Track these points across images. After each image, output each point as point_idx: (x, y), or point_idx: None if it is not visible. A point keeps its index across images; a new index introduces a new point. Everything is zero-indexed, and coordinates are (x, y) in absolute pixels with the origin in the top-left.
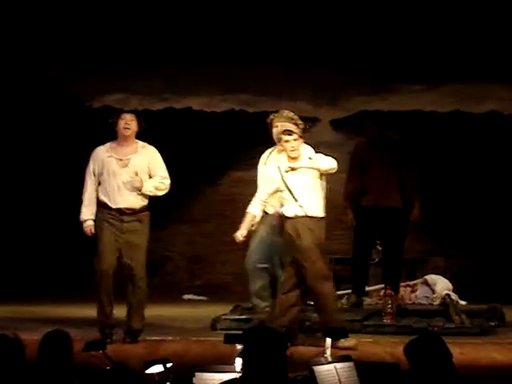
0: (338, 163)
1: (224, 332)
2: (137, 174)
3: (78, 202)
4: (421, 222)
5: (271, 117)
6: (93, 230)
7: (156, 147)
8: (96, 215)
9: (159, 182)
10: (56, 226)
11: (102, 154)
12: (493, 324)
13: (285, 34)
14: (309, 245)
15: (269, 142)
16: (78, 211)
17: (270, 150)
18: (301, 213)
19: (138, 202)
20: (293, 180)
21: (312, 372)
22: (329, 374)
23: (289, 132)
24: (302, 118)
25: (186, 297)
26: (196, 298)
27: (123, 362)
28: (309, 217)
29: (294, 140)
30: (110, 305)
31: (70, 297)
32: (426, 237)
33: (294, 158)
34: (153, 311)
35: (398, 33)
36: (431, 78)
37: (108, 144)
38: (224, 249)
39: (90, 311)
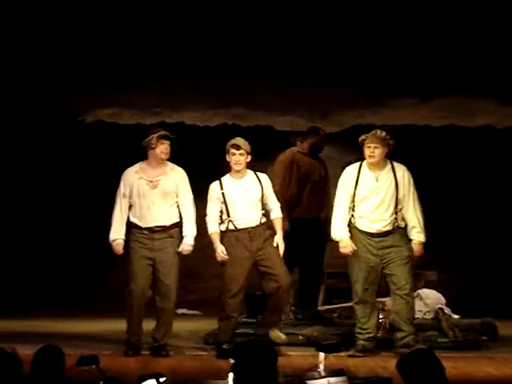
0: (332, 178)
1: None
2: (165, 196)
3: (76, 216)
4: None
5: (363, 137)
6: (121, 249)
7: None
8: (127, 237)
9: (190, 220)
10: (53, 241)
11: (133, 175)
12: (486, 338)
13: (278, 49)
14: None
15: (268, 156)
16: (78, 225)
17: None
18: None
19: (168, 219)
20: None
21: None
22: None
23: None
24: (294, 132)
25: (179, 311)
26: (190, 312)
27: (116, 377)
28: None
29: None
30: (139, 324)
31: (69, 312)
32: None
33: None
34: (146, 325)
35: (391, 47)
36: (424, 92)
37: (138, 165)
38: (217, 263)
39: (87, 326)
